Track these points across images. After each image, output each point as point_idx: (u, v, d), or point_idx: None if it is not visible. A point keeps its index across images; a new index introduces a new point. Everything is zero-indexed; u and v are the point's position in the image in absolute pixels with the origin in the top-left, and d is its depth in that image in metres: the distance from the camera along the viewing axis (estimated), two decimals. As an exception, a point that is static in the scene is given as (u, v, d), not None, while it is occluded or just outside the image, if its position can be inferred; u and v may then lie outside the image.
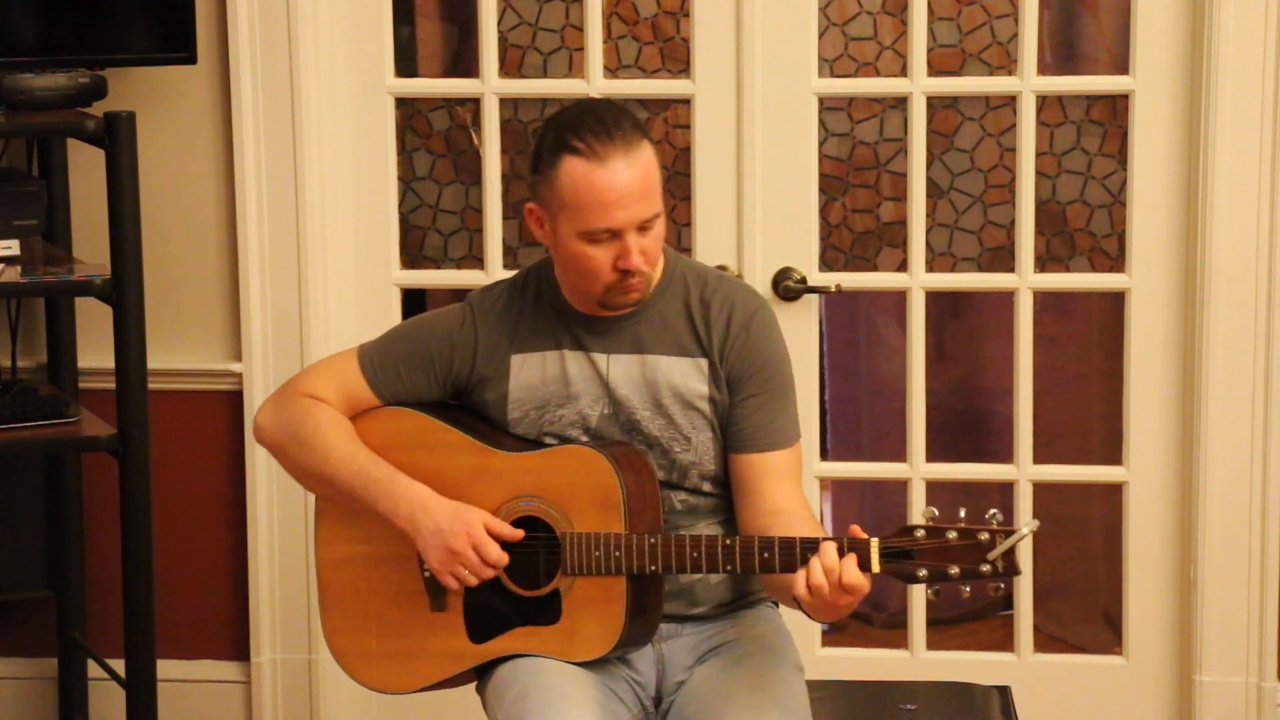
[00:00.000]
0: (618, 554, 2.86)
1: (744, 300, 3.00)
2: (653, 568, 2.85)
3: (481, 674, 3.02)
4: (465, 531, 2.89)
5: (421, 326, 3.08)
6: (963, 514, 2.70)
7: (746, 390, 2.97)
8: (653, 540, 2.85)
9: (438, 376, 3.03)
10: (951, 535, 2.68)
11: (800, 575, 2.72)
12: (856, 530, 2.73)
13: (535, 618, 2.93)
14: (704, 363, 2.98)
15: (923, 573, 2.68)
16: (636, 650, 2.99)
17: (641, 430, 2.98)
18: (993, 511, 2.69)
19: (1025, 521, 2.66)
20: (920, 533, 2.69)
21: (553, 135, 2.89)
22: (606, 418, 2.98)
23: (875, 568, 2.70)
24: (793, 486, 2.98)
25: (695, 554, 2.83)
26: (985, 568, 2.66)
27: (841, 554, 2.70)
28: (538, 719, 2.79)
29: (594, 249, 2.87)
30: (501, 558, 2.90)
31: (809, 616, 2.79)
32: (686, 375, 2.97)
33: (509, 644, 2.95)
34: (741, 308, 2.99)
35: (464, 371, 3.02)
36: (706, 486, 3.01)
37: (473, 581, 2.92)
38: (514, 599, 2.94)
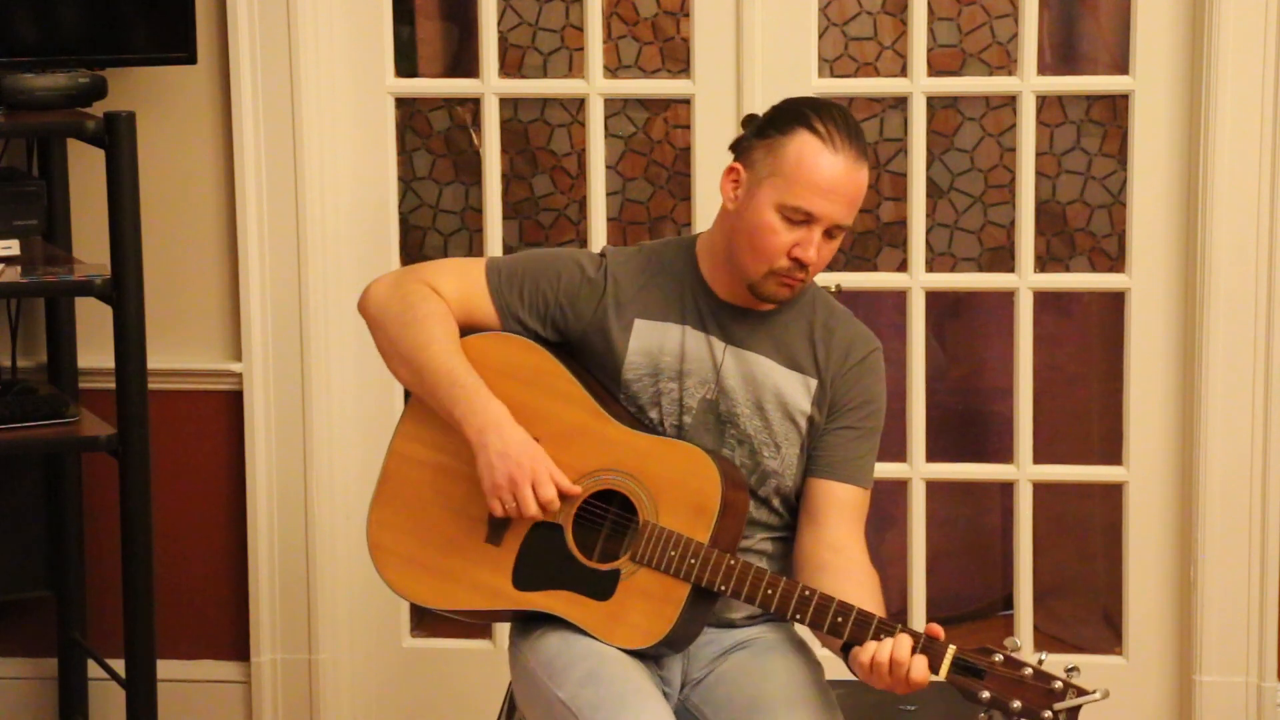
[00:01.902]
0: (693, 562, 2.85)
1: (865, 339, 3.05)
2: (722, 588, 2.84)
3: (517, 639, 3.00)
4: (531, 465, 2.87)
5: (556, 259, 3.06)
6: (1044, 657, 2.69)
7: (844, 421, 3.00)
8: (732, 562, 2.84)
9: (552, 308, 3.01)
10: (1027, 672, 2.67)
11: (868, 647, 2.74)
12: (935, 630, 2.74)
13: (586, 588, 2.90)
14: (813, 383, 3.00)
15: (986, 695, 2.67)
16: (670, 654, 2.98)
17: (738, 425, 2.98)
18: (1073, 666, 2.68)
19: (1099, 689, 2.65)
20: (998, 658, 2.68)
21: (794, 110, 2.92)
22: (709, 403, 2.98)
23: (942, 674, 2.70)
24: (857, 528, 3.00)
25: (770, 591, 2.82)
26: (1047, 714, 2.65)
27: (915, 650, 2.71)
28: (617, 706, 2.77)
29: (782, 226, 2.87)
30: (553, 503, 2.89)
31: (849, 669, 2.81)
32: (794, 389, 2.99)
33: (550, 602, 2.92)
34: (862, 344, 3.03)
35: (581, 319, 3.00)
36: (776, 502, 3.01)
37: (517, 514, 2.90)
38: (572, 562, 2.92)
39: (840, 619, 2.77)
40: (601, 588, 2.90)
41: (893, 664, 2.72)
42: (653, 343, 2.99)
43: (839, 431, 3.00)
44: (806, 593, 2.80)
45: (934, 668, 2.71)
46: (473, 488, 2.96)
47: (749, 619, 3.04)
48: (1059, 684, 2.66)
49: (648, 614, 2.87)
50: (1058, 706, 2.65)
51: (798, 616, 2.81)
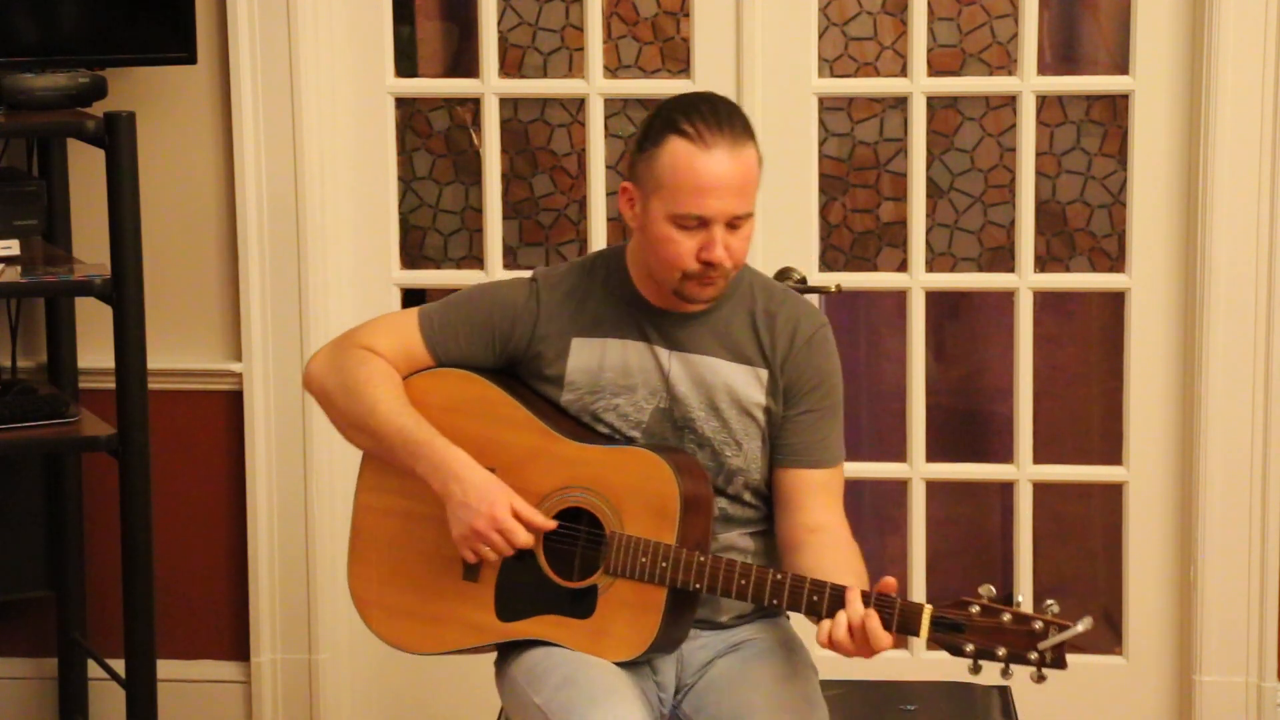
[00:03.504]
0: (664, 565, 2.85)
1: (809, 317, 3.02)
2: (696, 586, 2.84)
3: (503, 654, 3.01)
4: (489, 513, 2.88)
5: (485, 294, 3.06)
6: (1020, 598, 2.69)
7: (802, 405, 2.99)
8: (702, 559, 2.84)
9: (495, 345, 3.02)
10: (1006, 618, 2.67)
11: (824, 625, 2.73)
12: (889, 584, 2.72)
13: (567, 608, 2.92)
14: (764, 373, 2.98)
15: (970, 648, 2.67)
16: (661, 657, 2.98)
17: (696, 429, 2.97)
18: (1049, 602, 2.69)
19: (1081, 620, 2.65)
20: (975, 609, 2.68)
21: (663, 116, 2.90)
22: (662, 412, 2.97)
23: (923, 635, 2.70)
24: (834, 504, 2.99)
25: (743, 582, 2.81)
26: (1033, 655, 2.66)
27: (892, 621, 2.70)
28: (588, 707, 2.78)
29: (680, 234, 2.86)
30: (526, 542, 2.89)
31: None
32: (745, 383, 2.98)
33: (536, 628, 2.93)
34: (806, 324, 3.00)
35: (521, 344, 3.01)
36: (747, 496, 3.01)
37: (488, 561, 2.91)
38: (549, 585, 2.93)
39: (815, 597, 2.76)
40: (582, 606, 2.91)
41: (852, 632, 2.70)
42: (592, 360, 2.98)
43: (799, 417, 2.99)
44: (778, 577, 2.80)
45: (914, 630, 2.70)
46: (442, 529, 2.97)
47: (738, 618, 3.05)
48: (1040, 624, 2.66)
49: (630, 624, 2.88)
50: (1042, 646, 2.66)
51: (774, 602, 2.80)
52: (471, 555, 2.92)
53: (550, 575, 2.92)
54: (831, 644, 2.72)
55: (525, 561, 2.93)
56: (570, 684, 2.83)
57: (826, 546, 2.89)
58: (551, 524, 2.91)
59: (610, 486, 2.90)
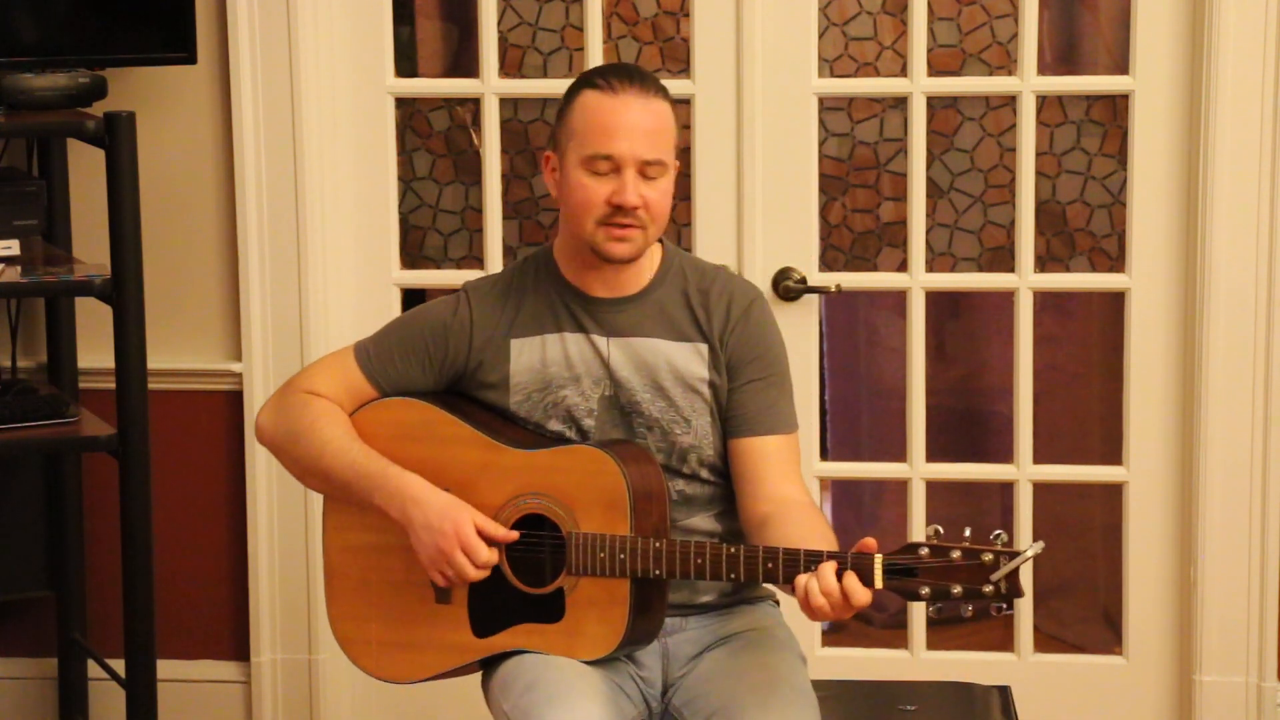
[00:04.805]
0: (622, 556, 2.87)
1: (742, 290, 3.05)
2: (657, 572, 2.86)
3: (486, 669, 3.03)
4: (454, 531, 2.91)
5: (415, 316, 3.11)
6: (967, 533, 2.69)
7: (746, 375, 3.01)
8: (658, 545, 2.86)
9: (433, 364, 3.05)
10: (955, 554, 2.67)
11: (799, 590, 2.72)
12: (869, 544, 2.72)
13: (538, 615, 2.94)
14: (704, 348, 3.01)
15: (925, 590, 2.68)
16: (640, 649, 2.99)
17: (642, 412, 3.00)
18: (997, 532, 2.69)
19: (1030, 544, 2.65)
20: (924, 550, 2.68)
21: (578, 82, 2.99)
22: (608, 399, 3.00)
23: (878, 584, 2.70)
24: (793, 474, 3.01)
25: (699, 560, 2.83)
26: (988, 589, 2.65)
27: (844, 568, 2.70)
28: (545, 708, 2.80)
29: (592, 180, 2.92)
30: (490, 560, 2.92)
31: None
32: (687, 359, 3.00)
33: (512, 639, 2.96)
34: (740, 296, 3.04)
35: (460, 357, 3.04)
36: (704, 474, 3.02)
37: (459, 582, 2.94)
38: (518, 595, 2.95)
39: (770, 565, 2.77)
40: (551, 610, 2.93)
41: (827, 594, 2.69)
42: (534, 358, 3.02)
43: (745, 387, 3.01)
44: (732, 550, 2.81)
45: (868, 581, 2.70)
46: (407, 557, 2.99)
47: (724, 597, 3.06)
48: (989, 555, 2.66)
49: (600, 621, 2.90)
50: (994, 577, 2.66)
51: (733, 576, 2.81)
52: (440, 579, 2.95)
53: (516, 584, 2.95)
54: (814, 612, 2.71)
55: (492, 576, 2.95)
56: (532, 688, 2.86)
57: (788, 517, 2.89)
58: (513, 535, 2.94)
59: (560, 488, 2.93)
